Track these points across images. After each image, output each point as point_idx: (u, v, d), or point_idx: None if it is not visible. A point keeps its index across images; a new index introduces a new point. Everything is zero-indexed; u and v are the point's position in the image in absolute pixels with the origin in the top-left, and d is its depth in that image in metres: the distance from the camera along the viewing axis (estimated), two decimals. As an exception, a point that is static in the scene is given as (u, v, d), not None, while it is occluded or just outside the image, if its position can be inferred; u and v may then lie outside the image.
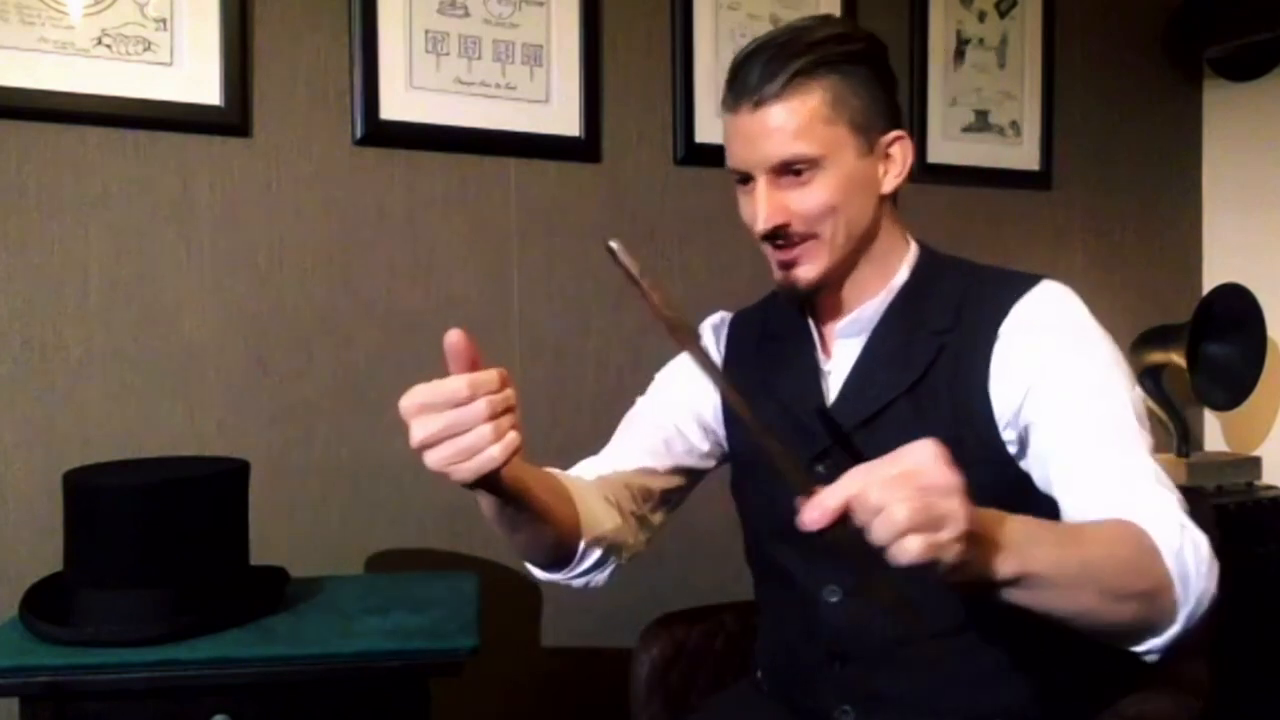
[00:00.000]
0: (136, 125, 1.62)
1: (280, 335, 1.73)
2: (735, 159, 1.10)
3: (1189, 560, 0.87)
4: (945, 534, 0.69)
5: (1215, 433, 2.66)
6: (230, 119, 1.67)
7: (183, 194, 1.66)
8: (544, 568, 1.09)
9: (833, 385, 1.14)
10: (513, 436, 0.80)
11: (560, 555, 1.06)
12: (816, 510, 0.70)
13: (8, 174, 1.56)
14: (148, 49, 1.62)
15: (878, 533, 0.69)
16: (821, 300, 1.15)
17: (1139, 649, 0.89)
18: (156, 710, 1.22)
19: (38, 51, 1.55)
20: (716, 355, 1.27)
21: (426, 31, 1.80)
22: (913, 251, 1.16)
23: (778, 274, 1.12)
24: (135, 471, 1.35)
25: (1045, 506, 0.99)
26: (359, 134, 1.76)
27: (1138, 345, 2.45)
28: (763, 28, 2.06)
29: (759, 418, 0.78)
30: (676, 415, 1.25)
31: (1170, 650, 0.89)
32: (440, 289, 1.84)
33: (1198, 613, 0.88)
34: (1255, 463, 2.43)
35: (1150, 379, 2.45)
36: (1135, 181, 2.57)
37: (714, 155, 2.01)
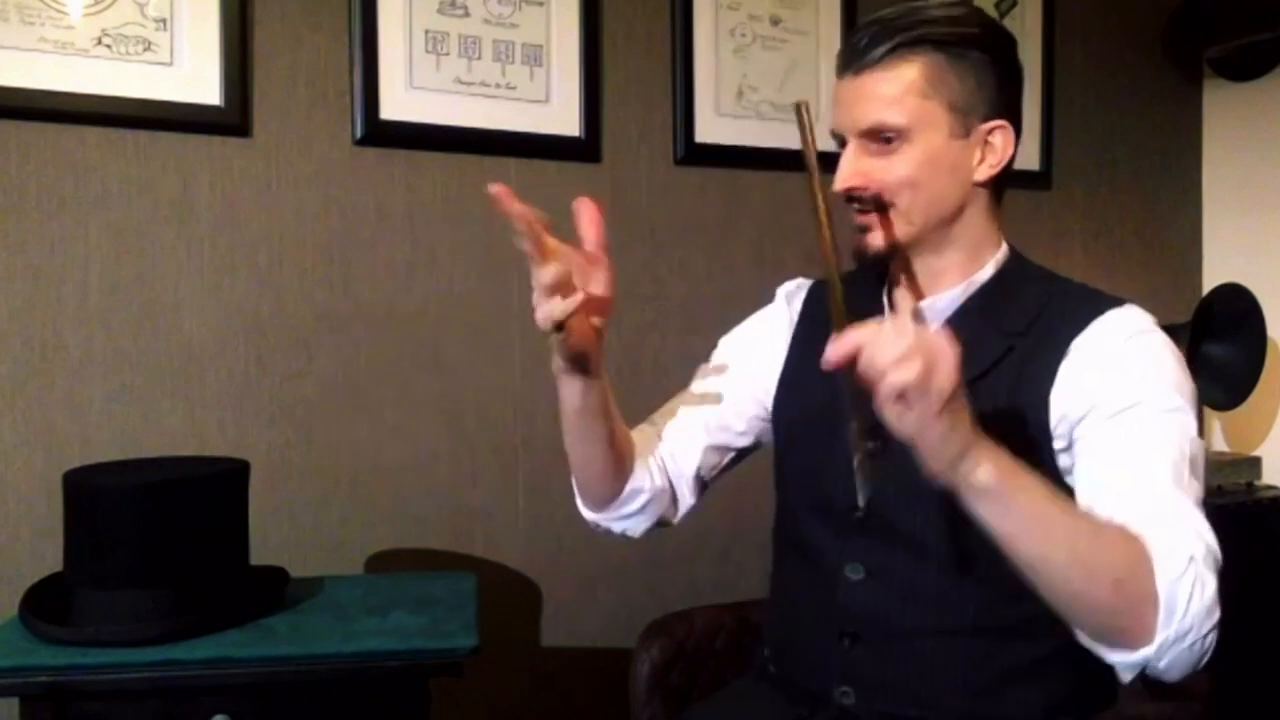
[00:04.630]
0: (136, 125, 1.62)
1: (280, 335, 1.73)
2: (834, 121, 1.11)
3: (1183, 592, 0.88)
4: (939, 376, 0.80)
5: (1215, 433, 2.66)
6: (230, 119, 1.67)
7: (183, 194, 1.66)
8: (592, 499, 1.20)
9: None
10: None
11: (609, 491, 1.18)
12: (837, 348, 0.82)
13: (8, 174, 1.56)
14: (148, 49, 1.62)
15: (882, 355, 0.80)
16: (898, 281, 1.15)
17: (1109, 656, 0.92)
18: (156, 710, 1.21)
19: (38, 51, 1.55)
20: (789, 322, 1.27)
21: (426, 31, 1.80)
22: (1003, 252, 1.14)
23: (854, 237, 1.12)
24: (135, 471, 1.35)
25: None
26: (359, 134, 1.76)
27: (1138, 345, 2.45)
28: (762, 28, 2.07)
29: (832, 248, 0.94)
30: (737, 392, 1.26)
31: (1141, 674, 0.92)
32: (440, 289, 1.84)
33: (1180, 651, 0.89)
34: (1255, 463, 2.43)
35: (1150, 379, 2.45)
36: (1135, 181, 2.57)
37: (714, 155, 2.02)
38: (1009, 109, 1.09)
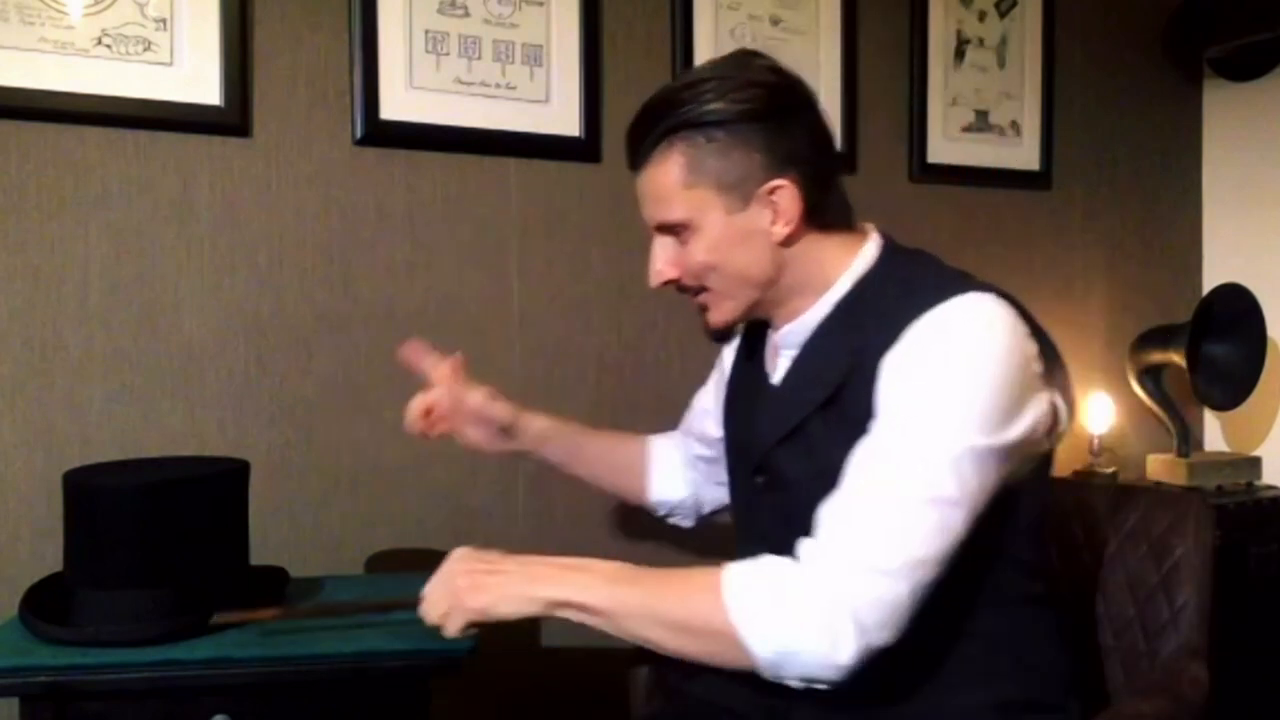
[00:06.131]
0: (136, 125, 1.62)
1: (280, 335, 1.73)
2: None
3: (747, 616, 0.93)
4: (458, 592, 1.05)
5: (1215, 433, 2.66)
6: (230, 119, 1.67)
7: (183, 194, 1.66)
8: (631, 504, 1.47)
9: (771, 398, 1.17)
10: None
11: (635, 501, 1.46)
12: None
13: (8, 174, 1.56)
14: (148, 49, 1.62)
15: (429, 608, 1.10)
16: (769, 313, 1.17)
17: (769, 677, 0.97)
18: (156, 710, 1.21)
19: (38, 51, 1.55)
20: (729, 359, 1.33)
21: (426, 31, 1.80)
22: (862, 260, 1.11)
23: (700, 318, 1.17)
24: (135, 471, 1.35)
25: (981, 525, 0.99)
26: (359, 134, 1.76)
27: (1138, 345, 2.45)
28: (762, 28, 2.07)
29: None
30: (702, 413, 1.39)
31: (809, 683, 0.95)
32: (440, 289, 1.84)
33: (803, 658, 0.93)
34: (1255, 463, 2.43)
35: (1150, 379, 2.45)
36: (1135, 181, 2.57)
37: (714, 155, 2.02)
38: (790, 160, 1.06)
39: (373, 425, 1.78)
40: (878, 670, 1.03)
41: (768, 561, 0.97)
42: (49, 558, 1.49)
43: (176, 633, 1.24)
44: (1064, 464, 2.42)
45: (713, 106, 1.05)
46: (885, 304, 1.05)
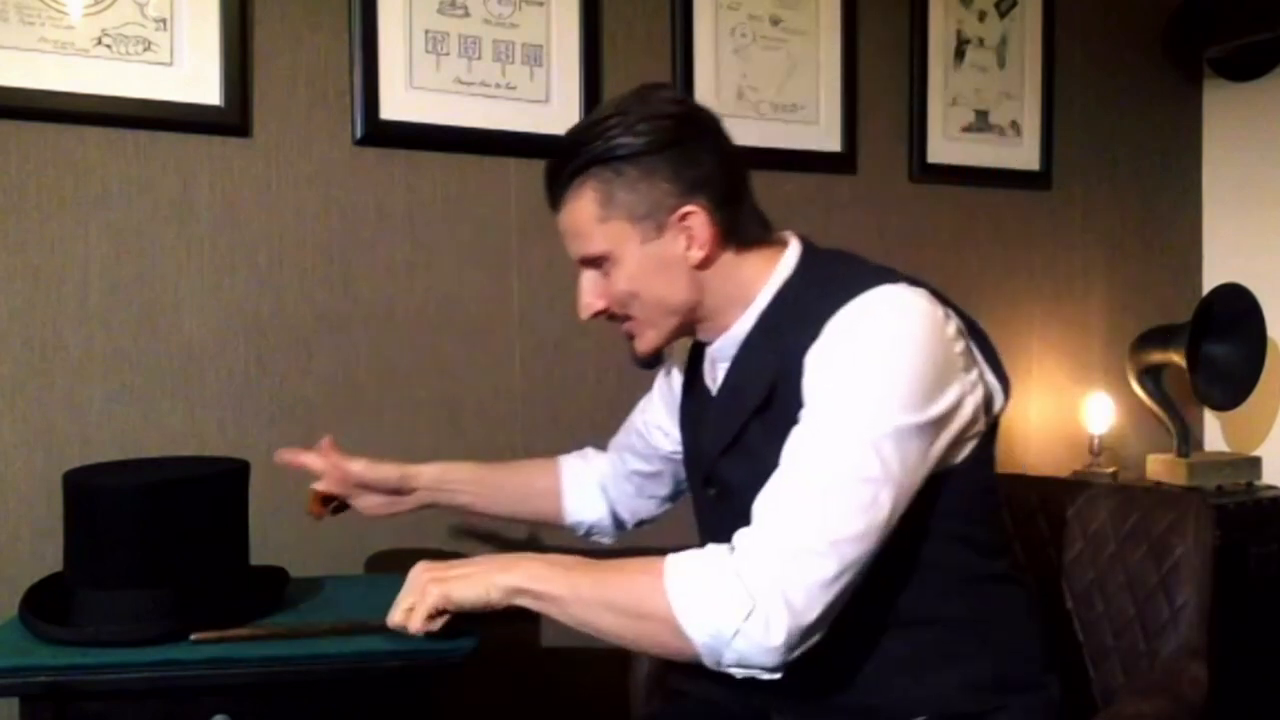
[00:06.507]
0: (136, 125, 1.62)
1: (280, 335, 1.73)
2: None
3: (687, 604, 0.94)
4: (425, 594, 1.10)
5: (1215, 433, 2.66)
6: (230, 119, 1.67)
7: (183, 194, 1.66)
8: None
9: (712, 410, 1.19)
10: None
11: (551, 523, 1.49)
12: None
13: (8, 174, 1.56)
14: (148, 49, 1.62)
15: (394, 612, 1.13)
16: (698, 332, 1.19)
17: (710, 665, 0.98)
18: (156, 710, 1.21)
19: (38, 51, 1.55)
20: (678, 383, 1.34)
21: (426, 31, 1.80)
22: (782, 269, 1.13)
23: (628, 346, 1.20)
24: (135, 471, 1.35)
25: (913, 520, 1.02)
26: (359, 134, 1.76)
27: (1138, 345, 2.45)
28: (762, 28, 2.07)
29: None
30: (649, 427, 1.40)
31: (751, 671, 0.96)
32: (440, 289, 1.84)
33: (741, 643, 0.93)
34: (1255, 463, 2.43)
35: (1150, 379, 2.45)
36: (1135, 181, 2.57)
37: (714, 155, 2.02)
38: (698, 186, 1.09)
39: (373, 425, 1.79)
40: (843, 659, 1.06)
41: (708, 550, 0.99)
42: (49, 558, 1.49)
43: (176, 633, 1.24)
44: (1064, 464, 2.43)
45: (619, 141, 1.08)
46: (805, 306, 1.07)
